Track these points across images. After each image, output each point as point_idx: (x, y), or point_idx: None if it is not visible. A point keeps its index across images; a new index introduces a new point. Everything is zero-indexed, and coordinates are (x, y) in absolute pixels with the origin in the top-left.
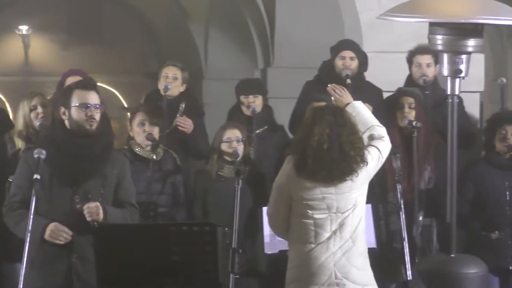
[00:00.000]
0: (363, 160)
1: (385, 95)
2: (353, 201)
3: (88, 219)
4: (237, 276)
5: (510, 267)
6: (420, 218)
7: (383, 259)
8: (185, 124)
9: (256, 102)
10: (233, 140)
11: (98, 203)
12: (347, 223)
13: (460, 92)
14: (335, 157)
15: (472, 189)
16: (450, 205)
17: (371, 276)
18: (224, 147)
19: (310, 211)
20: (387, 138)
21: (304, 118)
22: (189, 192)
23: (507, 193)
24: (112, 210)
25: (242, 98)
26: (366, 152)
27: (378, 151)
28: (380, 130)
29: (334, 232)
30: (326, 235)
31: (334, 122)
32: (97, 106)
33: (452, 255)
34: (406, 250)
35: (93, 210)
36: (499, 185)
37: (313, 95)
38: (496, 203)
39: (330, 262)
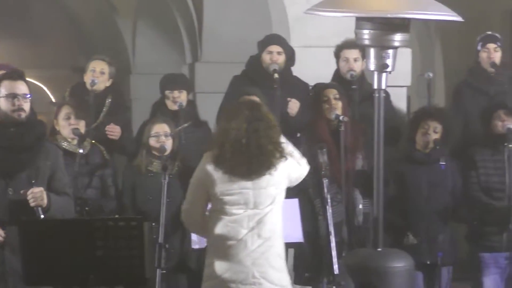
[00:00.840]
0: (281, 155)
1: None
2: (271, 198)
3: (32, 204)
4: (164, 271)
5: (437, 262)
6: (360, 206)
7: (317, 253)
8: (113, 132)
9: (181, 97)
10: (161, 135)
11: (42, 188)
12: (265, 221)
13: (387, 86)
14: (254, 151)
15: (392, 183)
16: (377, 200)
17: (287, 277)
18: (152, 142)
19: (227, 207)
20: (304, 164)
21: (222, 113)
22: (117, 187)
23: (428, 187)
24: (54, 196)
25: (167, 93)
26: (288, 151)
27: (298, 163)
28: (299, 155)
29: (252, 229)
30: (244, 231)
31: (251, 117)
32: (26, 96)
33: (379, 249)
34: (333, 244)
35: (37, 195)
36: (417, 181)
37: (244, 89)
38: (413, 199)
39: (248, 260)
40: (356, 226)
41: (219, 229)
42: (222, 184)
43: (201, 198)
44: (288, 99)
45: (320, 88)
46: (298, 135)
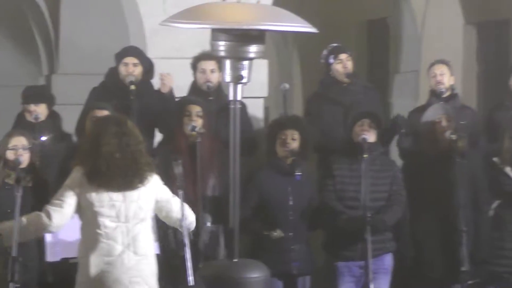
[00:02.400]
0: (151, 169)
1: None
2: (142, 212)
3: None
4: (18, 285)
5: (294, 272)
6: (208, 224)
7: (170, 266)
8: None
9: (37, 110)
10: (19, 148)
11: None
12: (139, 238)
13: (244, 97)
14: (128, 165)
15: (256, 194)
16: (233, 211)
17: None
18: (9, 154)
19: (100, 219)
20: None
21: (89, 128)
22: None
23: (290, 198)
24: None
25: (25, 105)
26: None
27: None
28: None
29: (128, 247)
30: (119, 248)
31: (120, 132)
32: None
33: (235, 260)
34: (188, 256)
35: None
36: (282, 191)
37: (95, 103)
38: (279, 208)
39: (125, 278)
40: (202, 244)
41: (94, 244)
42: (96, 196)
43: (71, 204)
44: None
45: (185, 102)
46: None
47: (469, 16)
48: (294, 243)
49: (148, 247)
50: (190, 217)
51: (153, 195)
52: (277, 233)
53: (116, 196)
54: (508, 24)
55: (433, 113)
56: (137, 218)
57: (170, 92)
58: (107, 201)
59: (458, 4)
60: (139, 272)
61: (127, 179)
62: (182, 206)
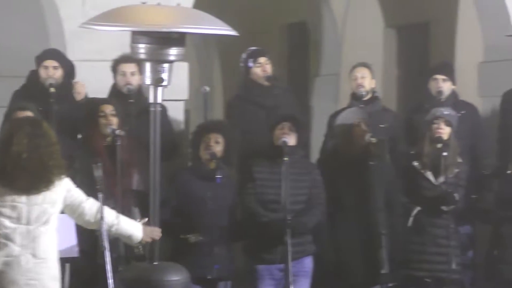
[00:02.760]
0: (60, 172)
1: None
2: (45, 215)
3: None
4: None
5: (214, 276)
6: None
7: (93, 269)
8: None
9: None
10: None
11: None
12: (40, 241)
13: (164, 100)
14: (34, 166)
15: (176, 197)
16: (153, 212)
17: None
18: None
19: (1, 219)
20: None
21: (3, 128)
22: None
23: (209, 202)
24: None
25: None
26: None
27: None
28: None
29: (26, 249)
30: (17, 249)
31: (33, 133)
32: None
33: (155, 263)
34: (108, 259)
35: None
36: (202, 195)
37: (17, 104)
38: (199, 211)
39: (20, 280)
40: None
41: None
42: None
43: None
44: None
45: (97, 103)
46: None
47: (389, 20)
48: (214, 247)
49: (50, 251)
50: (110, 220)
51: (60, 199)
52: (195, 237)
53: (19, 198)
54: (427, 27)
55: (351, 116)
56: (39, 221)
57: (85, 99)
58: (9, 202)
59: (378, 7)
60: (37, 275)
61: (31, 181)
62: (101, 209)
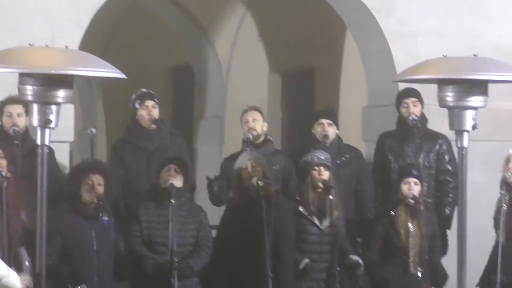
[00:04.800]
0: None
1: None
2: None
3: None
4: None
5: None
6: (27, 263)
7: None
8: None
9: None
10: None
11: None
12: None
13: (50, 142)
14: None
15: (60, 239)
16: (39, 257)
17: None
18: None
19: None
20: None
21: None
22: None
23: (94, 242)
24: None
25: None
26: None
27: None
28: None
29: None
30: None
31: None
32: None
33: None
34: None
35: None
36: (86, 235)
37: None
38: (84, 253)
39: None
40: None
41: None
42: None
43: None
44: None
45: None
46: None
47: (273, 64)
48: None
49: None
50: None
51: None
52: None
53: None
54: (312, 72)
55: (241, 160)
56: None
57: None
58: None
59: (263, 52)
60: None
61: None
62: None
